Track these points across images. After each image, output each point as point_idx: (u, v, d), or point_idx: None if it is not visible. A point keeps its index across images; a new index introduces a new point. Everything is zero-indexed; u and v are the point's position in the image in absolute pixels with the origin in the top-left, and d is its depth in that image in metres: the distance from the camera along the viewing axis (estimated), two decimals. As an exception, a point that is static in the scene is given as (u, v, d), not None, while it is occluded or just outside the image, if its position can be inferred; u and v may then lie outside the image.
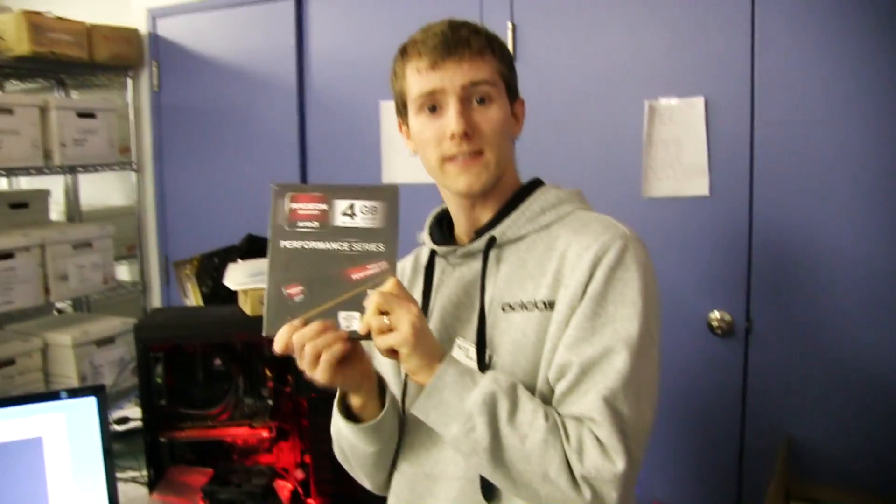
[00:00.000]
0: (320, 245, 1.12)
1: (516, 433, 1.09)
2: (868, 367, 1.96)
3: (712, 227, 2.10)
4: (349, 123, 2.70)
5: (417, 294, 1.34)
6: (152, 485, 1.71)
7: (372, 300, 1.09)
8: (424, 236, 1.38)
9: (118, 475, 1.96)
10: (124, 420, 2.20)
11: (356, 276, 1.11)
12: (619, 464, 1.07)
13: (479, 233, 1.28)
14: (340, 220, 1.13)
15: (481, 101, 1.23)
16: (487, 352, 1.21)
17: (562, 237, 1.23)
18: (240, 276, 1.76)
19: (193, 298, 2.56)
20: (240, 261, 1.94)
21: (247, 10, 2.85)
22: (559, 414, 1.13)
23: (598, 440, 1.09)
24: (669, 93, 2.11)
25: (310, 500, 1.76)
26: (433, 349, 1.13)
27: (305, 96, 2.79)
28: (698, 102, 2.07)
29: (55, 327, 2.83)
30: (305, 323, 1.09)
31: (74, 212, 3.35)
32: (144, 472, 1.83)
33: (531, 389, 1.16)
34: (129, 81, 3.17)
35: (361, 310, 1.10)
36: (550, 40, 2.28)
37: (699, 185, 2.09)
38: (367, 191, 1.14)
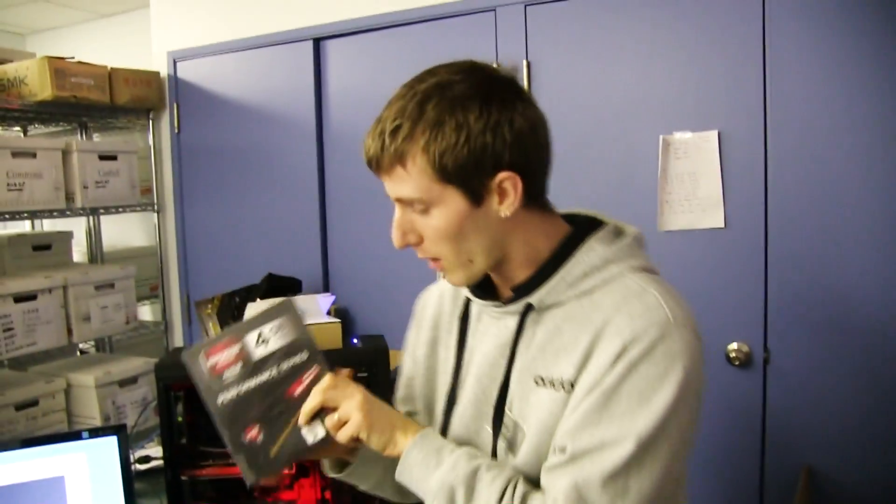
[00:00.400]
0: (252, 383, 1.15)
1: None
2: (888, 396, 1.95)
3: (729, 259, 2.11)
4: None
5: (450, 339, 1.30)
6: (174, 525, 1.72)
7: (311, 401, 1.14)
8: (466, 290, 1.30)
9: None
10: (146, 459, 2.22)
11: (297, 391, 1.16)
12: None
13: (516, 292, 1.18)
14: (258, 352, 1.16)
15: (420, 210, 1.12)
16: (511, 417, 1.17)
17: (602, 308, 1.11)
18: (259, 315, 1.79)
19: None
20: (259, 300, 1.96)
21: (266, 51, 2.91)
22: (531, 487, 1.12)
23: None
24: (683, 127, 2.13)
25: (331, 539, 1.76)
26: (390, 423, 1.16)
27: (324, 135, 2.82)
28: (712, 136, 2.09)
29: (78, 368, 2.86)
30: (277, 457, 1.14)
31: (97, 253, 3.39)
32: (167, 511, 1.85)
33: None
34: (150, 123, 3.23)
35: (319, 417, 1.15)
36: (565, 77, 2.31)
37: (714, 218, 2.10)
38: (266, 315, 1.17)
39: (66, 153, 2.79)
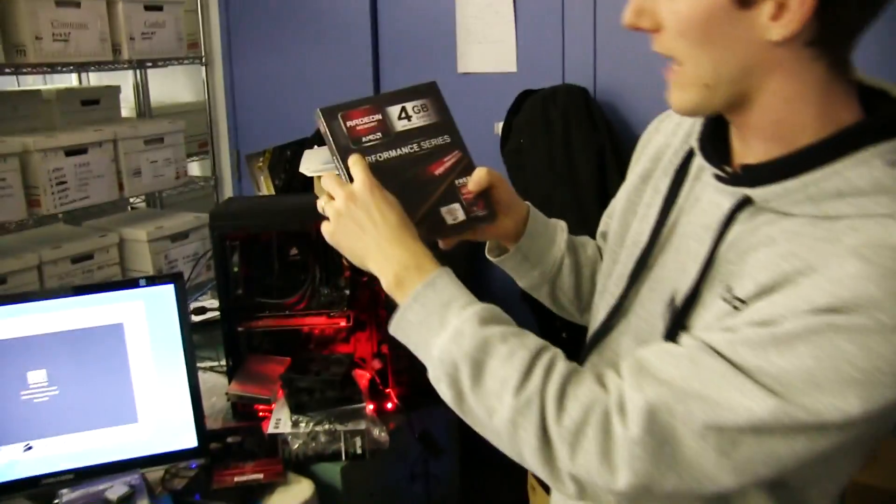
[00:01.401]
0: (393, 153, 1.09)
1: (481, 404, 0.88)
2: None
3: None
4: (423, 11, 2.62)
5: (662, 183, 1.04)
6: (231, 374, 1.72)
7: (478, 176, 1.09)
8: (696, 125, 1.01)
9: (198, 365, 2.00)
10: (202, 310, 2.23)
11: (438, 171, 1.10)
12: (621, 480, 0.82)
13: (744, 171, 0.90)
14: (400, 125, 1.11)
15: None
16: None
17: (838, 245, 0.79)
18: (315, 163, 1.73)
19: (266, 191, 2.56)
20: (316, 147, 1.90)
21: None
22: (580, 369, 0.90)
23: (606, 435, 0.83)
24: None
25: (387, 390, 1.75)
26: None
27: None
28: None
29: (130, 223, 2.86)
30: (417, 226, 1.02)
31: (145, 108, 3.35)
32: (223, 362, 1.85)
33: None
34: (196, -27, 3.11)
35: (458, 200, 1.10)
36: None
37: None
38: (410, 92, 1.13)
39: (110, 4, 2.69)
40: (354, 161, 1.03)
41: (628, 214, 1.10)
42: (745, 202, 0.88)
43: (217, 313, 1.97)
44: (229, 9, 3.06)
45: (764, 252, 0.84)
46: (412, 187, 1.07)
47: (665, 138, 1.10)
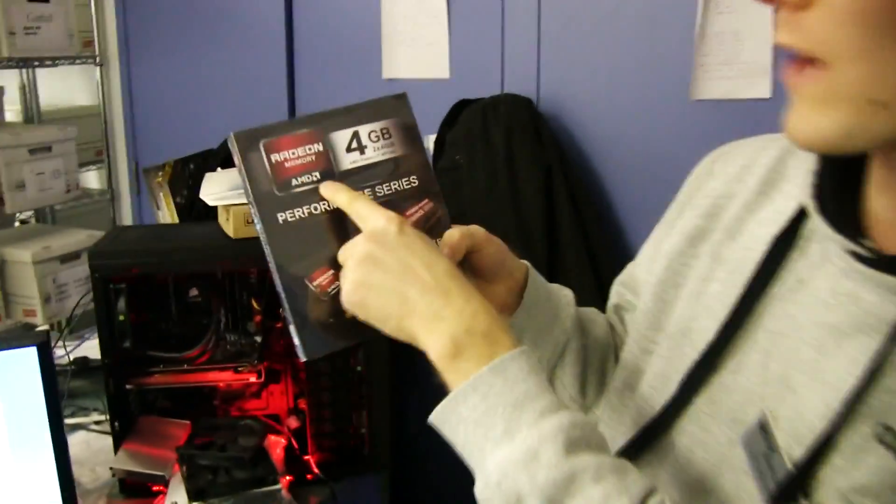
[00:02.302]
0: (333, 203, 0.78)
1: None
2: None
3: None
4: (344, 8, 2.36)
5: (748, 249, 0.73)
6: (118, 440, 1.42)
7: (450, 248, 0.77)
8: (808, 163, 0.69)
9: (78, 420, 1.70)
10: (83, 363, 1.90)
11: None
12: None
13: None
14: (348, 161, 0.79)
15: None
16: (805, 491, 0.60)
17: None
18: (219, 189, 1.45)
19: (166, 210, 2.26)
20: (219, 169, 1.62)
21: None
22: None
23: None
24: (728, -26, 1.78)
25: (306, 457, 1.49)
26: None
27: (292, -23, 2.43)
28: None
29: (14, 241, 2.52)
30: (355, 322, 0.73)
31: (33, 112, 2.99)
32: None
33: None
34: (88, -39, 2.77)
35: None
36: None
37: (760, 86, 1.79)
38: (369, 110, 0.81)
39: (-14, -8, 2.36)
40: (337, 189, 0.76)
41: (669, 288, 0.81)
42: None
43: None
44: (126, 2, 2.74)
45: None
46: None
47: (725, 186, 0.80)
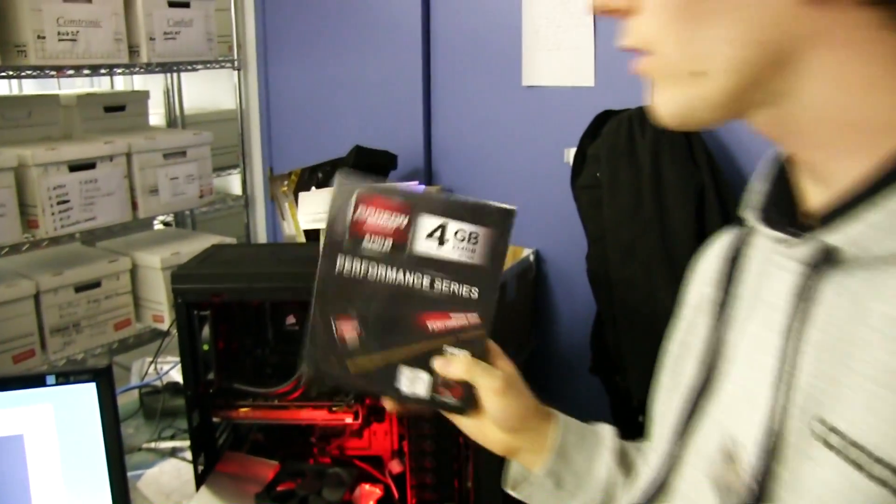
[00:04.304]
0: (390, 274, 0.83)
1: None
2: None
3: None
4: (484, 14, 2.20)
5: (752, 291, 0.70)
6: (201, 477, 1.32)
7: (456, 369, 0.82)
8: (754, 187, 0.70)
9: (174, 444, 1.62)
10: (174, 388, 1.82)
11: (433, 324, 0.83)
12: None
13: (824, 219, 0.58)
14: (424, 245, 0.83)
15: None
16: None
17: None
18: (316, 209, 1.32)
19: (292, 220, 2.18)
20: (314, 189, 1.49)
21: None
22: None
23: None
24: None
25: (405, 508, 1.34)
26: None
27: (430, -22, 2.31)
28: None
29: (147, 246, 2.52)
30: (350, 375, 0.83)
31: (177, 116, 3.01)
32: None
33: None
34: (230, -34, 2.75)
35: (431, 370, 0.83)
36: None
37: None
38: (469, 210, 0.82)
39: (128, -2, 2.36)
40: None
41: (680, 358, 0.79)
42: (825, 258, 0.57)
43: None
44: (266, 6, 2.70)
45: (863, 335, 0.53)
46: (387, 326, 0.83)
47: (713, 262, 0.79)
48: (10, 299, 2.14)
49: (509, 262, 2.06)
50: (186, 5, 2.50)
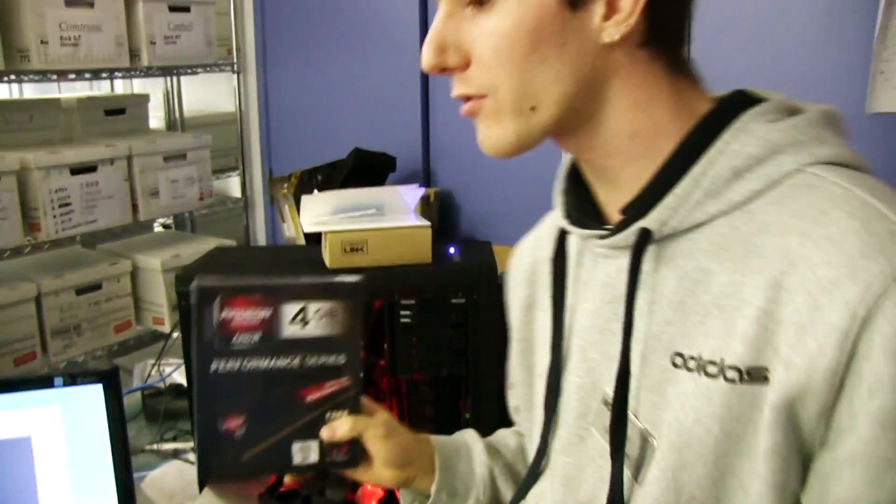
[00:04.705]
0: (264, 363, 0.89)
1: None
2: None
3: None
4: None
5: (546, 296, 0.91)
6: (203, 480, 1.34)
7: (342, 429, 0.92)
8: (556, 199, 0.89)
9: (176, 446, 1.64)
10: (177, 390, 1.84)
11: (311, 397, 0.91)
12: None
13: (626, 213, 0.77)
14: (289, 331, 0.90)
15: (478, 1, 0.73)
16: (638, 426, 0.76)
17: (772, 232, 0.68)
18: (319, 212, 1.34)
19: (291, 223, 2.21)
20: (316, 192, 1.52)
21: None
22: None
23: None
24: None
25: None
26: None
27: (429, -13, 2.33)
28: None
29: (147, 248, 2.55)
30: (248, 464, 0.89)
31: (177, 119, 3.03)
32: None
33: None
34: (230, -30, 2.77)
35: (318, 437, 0.91)
36: None
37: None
38: (322, 289, 0.91)
39: (129, 2, 2.38)
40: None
41: (528, 357, 0.99)
42: (643, 239, 0.75)
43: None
44: (265, 10, 2.72)
45: (704, 290, 0.72)
46: (270, 410, 0.89)
47: (530, 258, 1.00)
48: (12, 302, 2.16)
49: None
50: (187, 9, 2.53)
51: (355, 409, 0.93)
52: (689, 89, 0.78)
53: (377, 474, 0.97)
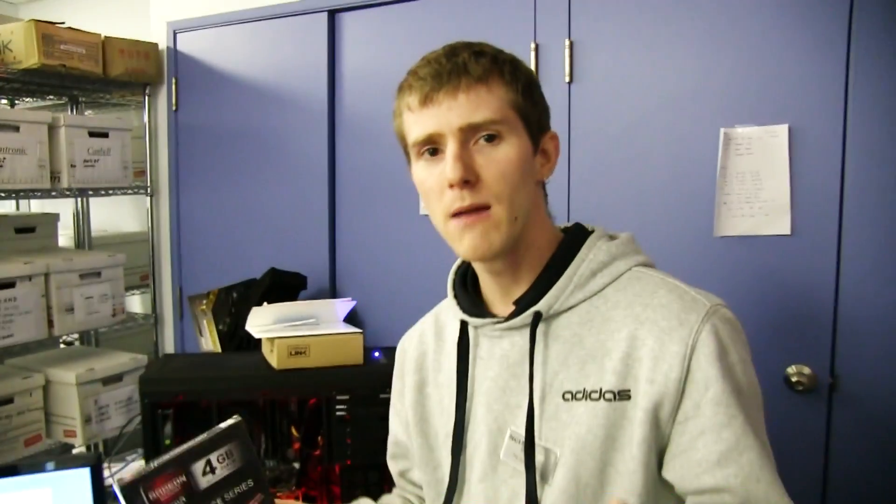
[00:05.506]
0: None
1: None
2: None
3: (794, 270, 1.86)
4: (385, 150, 2.46)
5: (450, 369, 1.20)
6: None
7: None
8: (450, 301, 1.21)
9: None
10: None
11: None
12: None
13: (518, 304, 1.10)
14: (206, 481, 1.07)
15: (489, 138, 1.03)
16: (542, 446, 1.06)
17: (621, 306, 1.06)
18: (264, 321, 1.53)
19: (209, 337, 2.35)
20: (265, 305, 1.71)
21: (275, 23, 2.64)
22: None
23: None
24: (748, 120, 1.88)
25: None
26: None
27: (337, 118, 2.56)
28: (781, 131, 1.84)
29: (59, 363, 2.61)
30: None
31: (84, 238, 3.14)
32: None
33: (595, 491, 1.03)
34: (146, 99, 2.96)
35: None
36: (613, 59, 2.05)
37: (780, 224, 1.85)
38: (216, 439, 1.10)
39: (52, 128, 2.54)
40: None
41: (424, 426, 1.23)
42: (536, 318, 1.07)
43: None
44: (179, 136, 2.90)
45: (581, 349, 1.06)
46: None
47: (417, 351, 1.28)
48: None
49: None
50: (105, 135, 2.69)
51: None
52: (549, 218, 1.16)
53: None
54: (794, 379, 1.86)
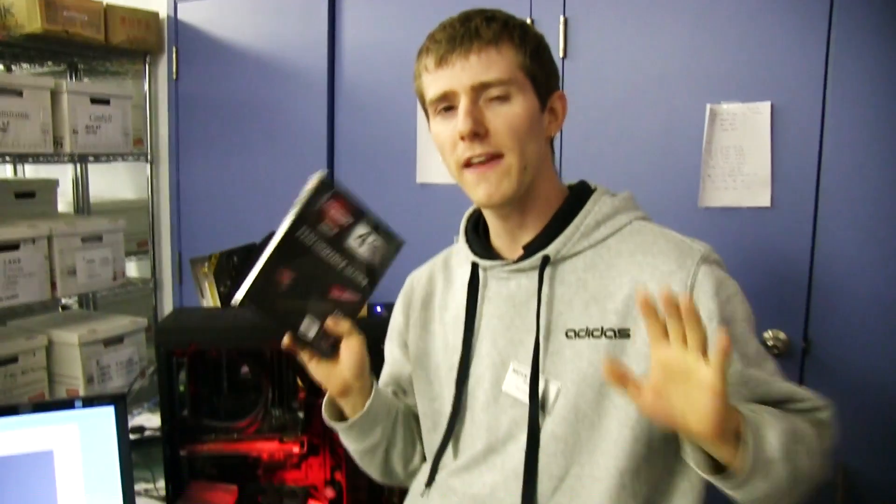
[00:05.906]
0: (326, 252, 1.17)
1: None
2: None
3: (772, 241, 1.96)
4: (383, 121, 2.54)
5: (456, 308, 1.28)
6: (170, 501, 1.55)
7: (343, 324, 1.21)
8: (461, 245, 1.31)
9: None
10: (140, 430, 2.04)
11: (335, 294, 1.19)
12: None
13: (527, 249, 1.20)
14: (352, 242, 1.18)
15: (499, 97, 1.13)
16: (544, 378, 1.16)
17: (624, 254, 1.16)
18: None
19: (210, 299, 2.42)
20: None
21: (276, -5, 2.70)
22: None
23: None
24: (733, 96, 1.97)
25: (342, 525, 1.61)
26: None
27: (336, 90, 2.63)
28: (764, 108, 1.93)
29: (61, 325, 2.68)
30: (275, 310, 1.15)
31: (83, 204, 3.20)
32: (160, 485, 1.69)
33: (592, 422, 1.12)
34: (147, 68, 3.01)
35: (321, 325, 1.18)
36: (605, 36, 2.14)
37: (760, 196, 1.95)
38: (384, 230, 1.22)
39: (55, 94, 2.58)
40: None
41: (425, 360, 1.33)
42: (545, 262, 1.17)
43: (156, 433, 1.80)
44: (178, 106, 2.96)
45: (585, 291, 1.15)
46: (310, 285, 1.16)
47: (425, 290, 1.37)
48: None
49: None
50: (107, 102, 2.74)
51: (353, 319, 1.21)
52: (556, 174, 1.27)
53: (331, 374, 1.23)
54: (770, 343, 1.96)
